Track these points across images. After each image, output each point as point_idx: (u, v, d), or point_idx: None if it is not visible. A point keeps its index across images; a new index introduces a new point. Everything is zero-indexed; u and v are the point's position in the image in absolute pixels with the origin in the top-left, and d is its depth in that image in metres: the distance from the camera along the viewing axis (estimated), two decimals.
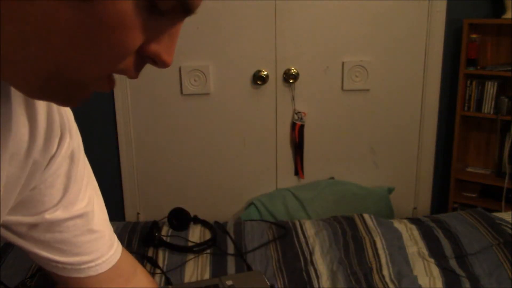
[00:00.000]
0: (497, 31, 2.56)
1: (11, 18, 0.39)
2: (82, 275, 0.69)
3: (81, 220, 0.69)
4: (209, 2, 2.51)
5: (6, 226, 0.64)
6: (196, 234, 1.86)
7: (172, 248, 1.74)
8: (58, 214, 0.66)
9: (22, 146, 0.56)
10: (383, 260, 1.66)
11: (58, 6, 0.39)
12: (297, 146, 2.69)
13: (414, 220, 1.95)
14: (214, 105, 2.66)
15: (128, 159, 2.70)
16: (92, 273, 0.70)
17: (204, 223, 1.93)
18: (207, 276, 1.61)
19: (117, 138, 2.67)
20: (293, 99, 2.66)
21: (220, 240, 1.80)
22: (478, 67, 2.54)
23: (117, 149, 2.69)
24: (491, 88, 2.51)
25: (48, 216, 0.65)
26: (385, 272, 1.61)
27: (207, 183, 2.77)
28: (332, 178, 2.78)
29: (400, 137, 2.77)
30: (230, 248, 1.76)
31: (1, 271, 1.60)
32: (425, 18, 2.60)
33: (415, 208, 2.89)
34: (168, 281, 1.57)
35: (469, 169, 2.78)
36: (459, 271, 1.61)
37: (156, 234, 1.79)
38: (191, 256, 1.71)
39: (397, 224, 1.89)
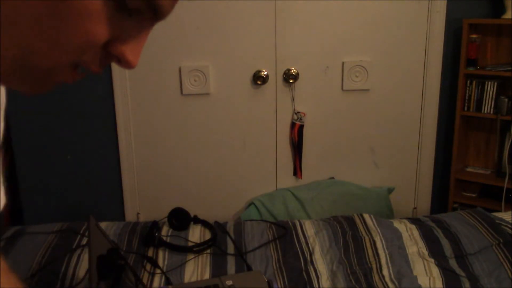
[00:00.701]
0: (497, 31, 2.56)
1: None
2: None
3: None
4: (209, 2, 2.51)
5: None
6: (196, 234, 1.86)
7: (172, 248, 1.74)
8: None
9: None
10: (383, 260, 1.66)
11: None
12: (296, 147, 2.69)
13: (414, 220, 1.95)
14: (214, 105, 2.66)
15: (128, 159, 2.70)
16: None
17: (204, 223, 1.93)
18: (207, 276, 1.61)
19: (117, 138, 2.67)
20: (293, 99, 2.66)
21: (220, 240, 1.80)
22: (478, 67, 2.54)
23: (117, 149, 2.69)
24: (491, 88, 2.51)
25: None
26: (385, 272, 1.61)
27: (207, 183, 2.78)
28: (332, 178, 2.78)
29: (400, 137, 2.77)
30: (230, 248, 1.76)
31: None
32: (425, 18, 2.60)
33: (415, 208, 2.89)
34: (168, 281, 1.57)
35: (469, 169, 2.78)
36: (459, 271, 1.61)
37: (156, 234, 1.79)
38: (191, 256, 1.71)
39: (397, 224, 1.89)
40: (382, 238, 1.78)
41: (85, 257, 1.66)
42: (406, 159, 2.81)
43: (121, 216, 2.80)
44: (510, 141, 2.55)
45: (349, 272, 1.62)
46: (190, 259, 1.69)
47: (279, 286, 1.56)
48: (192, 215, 1.93)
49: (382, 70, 2.66)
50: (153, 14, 0.44)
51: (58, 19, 0.41)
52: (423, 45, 2.64)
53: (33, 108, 2.60)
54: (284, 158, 2.76)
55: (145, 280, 1.58)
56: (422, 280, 1.56)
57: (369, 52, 2.63)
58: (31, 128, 2.63)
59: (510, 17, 2.43)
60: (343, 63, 2.63)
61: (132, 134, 2.67)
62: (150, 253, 1.72)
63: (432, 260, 1.67)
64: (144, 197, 2.79)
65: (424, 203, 2.87)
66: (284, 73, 2.62)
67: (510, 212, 2.02)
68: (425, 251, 1.72)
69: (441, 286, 1.54)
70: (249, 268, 1.64)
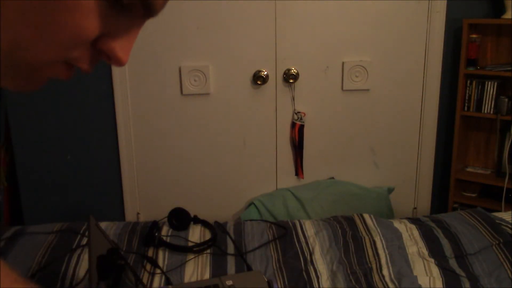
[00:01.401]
0: (497, 31, 2.56)
1: None
2: None
3: None
4: (209, 2, 2.51)
5: None
6: (196, 234, 1.86)
7: (172, 248, 1.74)
8: None
9: None
10: (383, 260, 1.66)
11: None
12: (297, 146, 2.69)
13: (414, 220, 1.95)
14: (214, 105, 2.66)
15: (128, 159, 2.70)
16: None
17: (204, 223, 1.93)
18: (207, 276, 1.61)
19: (117, 138, 2.67)
20: (293, 99, 2.66)
21: (220, 240, 1.80)
22: (478, 67, 2.54)
23: (117, 149, 2.69)
24: (491, 88, 2.51)
25: None
26: (385, 272, 1.61)
27: (207, 183, 2.78)
28: (332, 178, 2.78)
29: (400, 137, 2.77)
30: (230, 248, 1.76)
31: None
32: (425, 18, 2.60)
33: (415, 208, 2.89)
34: (168, 281, 1.57)
35: (469, 169, 2.78)
36: (459, 271, 1.61)
37: (156, 234, 1.79)
38: (191, 256, 1.71)
39: (397, 224, 1.89)
40: (382, 238, 1.78)
41: (85, 257, 1.66)
42: (406, 159, 2.81)
43: (121, 216, 2.80)
44: (510, 141, 2.55)
45: (349, 272, 1.62)
46: (190, 259, 1.69)
47: (279, 286, 1.56)
48: (192, 215, 1.93)
49: (382, 70, 2.66)
50: (145, 11, 0.43)
51: (47, 12, 0.40)
52: (423, 45, 2.64)
53: (33, 108, 2.60)
54: (284, 158, 2.76)
55: (145, 280, 1.58)
56: (422, 280, 1.56)
57: (369, 52, 2.63)
58: (31, 128, 2.63)
59: (510, 17, 2.43)
60: (343, 63, 2.63)
61: (132, 134, 2.67)
62: (150, 253, 1.72)
63: (432, 260, 1.67)
64: (144, 197, 2.79)
65: (424, 203, 2.87)
66: (284, 73, 2.62)
67: (510, 212, 2.02)
68: (425, 251, 1.72)
69: (441, 286, 1.54)
70: (249, 268, 1.64)
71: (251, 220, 2.05)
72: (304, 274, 1.61)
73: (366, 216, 1.94)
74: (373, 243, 1.76)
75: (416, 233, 1.83)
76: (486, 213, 1.95)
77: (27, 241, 1.75)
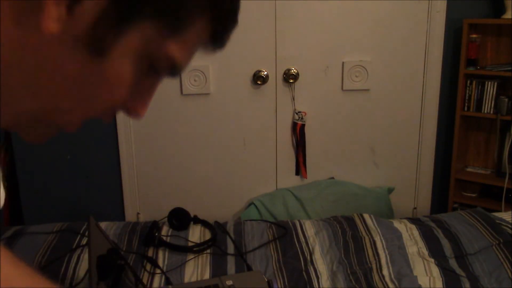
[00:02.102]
0: (497, 31, 2.56)
1: (16, 64, 0.41)
2: None
3: None
4: None
5: None
6: (196, 234, 1.86)
7: (172, 248, 1.74)
8: None
9: None
10: (383, 260, 1.66)
11: (68, 58, 0.41)
12: (299, 146, 2.69)
13: (414, 220, 1.95)
14: (214, 105, 2.66)
15: (128, 159, 2.70)
16: None
17: (204, 223, 1.93)
18: (207, 276, 1.61)
19: (117, 138, 2.67)
20: (293, 99, 2.66)
21: (220, 240, 1.80)
22: (478, 67, 2.54)
23: (117, 149, 2.69)
24: (491, 88, 2.51)
25: None
26: (385, 272, 1.61)
27: (207, 183, 2.78)
28: (332, 178, 2.78)
29: (400, 137, 2.77)
30: (230, 248, 1.76)
31: None
32: (425, 18, 2.60)
33: (415, 208, 2.89)
34: (168, 281, 1.57)
35: (469, 169, 2.78)
36: (459, 271, 1.61)
37: (156, 234, 1.79)
38: (191, 256, 1.71)
39: (397, 224, 1.89)
40: (382, 238, 1.78)
41: (85, 257, 1.66)
42: (406, 159, 2.81)
43: (121, 216, 2.80)
44: (510, 141, 2.55)
45: (349, 272, 1.62)
46: (190, 259, 1.69)
47: (279, 286, 1.56)
48: (192, 215, 1.93)
49: (382, 70, 2.66)
50: (172, 73, 0.48)
51: (90, 86, 0.43)
52: (423, 45, 2.64)
53: None
54: (284, 158, 2.76)
55: (145, 280, 1.58)
56: (422, 280, 1.56)
57: (369, 52, 2.63)
58: None
59: (510, 17, 2.43)
60: (343, 63, 2.63)
61: (132, 134, 2.67)
62: (150, 253, 1.72)
63: (432, 260, 1.67)
64: (144, 197, 2.79)
65: (424, 203, 2.87)
66: (284, 73, 2.62)
67: (510, 212, 2.02)
68: (425, 251, 1.72)
69: (441, 286, 1.54)
70: (249, 268, 1.64)
71: (251, 220, 2.05)
72: (304, 274, 1.61)
73: (366, 216, 1.94)
74: (373, 243, 1.76)
75: (416, 233, 1.83)
76: (486, 213, 1.95)
77: (27, 241, 1.75)
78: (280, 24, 2.56)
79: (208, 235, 1.84)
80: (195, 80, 2.61)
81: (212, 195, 2.79)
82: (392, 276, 1.59)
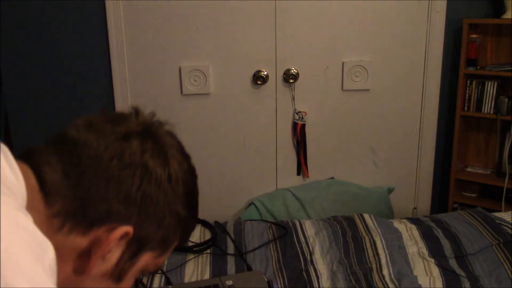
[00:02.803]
0: (497, 31, 2.56)
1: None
2: None
3: None
4: (209, 2, 2.51)
5: None
6: (196, 234, 1.86)
7: None
8: None
9: None
10: (383, 260, 1.66)
11: (102, 284, 0.62)
12: (300, 146, 2.69)
13: (414, 220, 1.95)
14: (214, 105, 2.66)
15: None
16: None
17: (204, 223, 1.93)
18: (207, 276, 1.61)
19: None
20: (293, 99, 2.66)
21: (220, 240, 1.80)
22: (478, 67, 2.54)
23: None
24: (491, 88, 2.51)
25: None
26: (385, 272, 1.61)
27: (207, 183, 2.77)
28: (332, 178, 2.78)
29: (400, 137, 2.77)
30: (230, 248, 1.76)
31: None
32: (425, 18, 2.60)
33: (415, 208, 2.89)
34: (168, 281, 1.57)
35: (469, 169, 2.78)
36: (459, 271, 1.61)
37: None
38: (191, 256, 1.71)
39: (397, 224, 1.89)
40: (382, 238, 1.78)
41: None
42: (406, 159, 2.81)
43: None
44: (510, 141, 2.55)
45: (349, 272, 1.62)
46: (190, 259, 1.69)
47: (279, 286, 1.56)
48: None
49: (382, 70, 2.66)
50: (180, 243, 0.70)
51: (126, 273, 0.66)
52: (423, 45, 2.64)
53: (33, 109, 2.60)
54: (284, 158, 2.76)
55: (145, 280, 1.58)
56: (422, 280, 1.56)
57: (369, 52, 2.63)
58: (31, 128, 2.63)
59: (510, 17, 2.43)
60: (343, 63, 2.63)
61: None
62: None
63: (432, 260, 1.67)
64: None
65: (424, 203, 2.87)
66: (284, 73, 2.62)
67: (510, 212, 2.02)
68: (425, 251, 1.72)
69: (441, 286, 1.54)
70: (249, 268, 1.64)
71: (251, 220, 2.05)
72: (304, 274, 1.61)
73: (366, 216, 1.94)
74: (373, 243, 1.76)
75: (416, 233, 1.83)
76: (486, 213, 1.95)
77: None
78: (280, 24, 2.56)
79: (208, 235, 1.84)
80: (195, 80, 2.61)
81: (212, 195, 2.79)
82: (392, 276, 1.59)
